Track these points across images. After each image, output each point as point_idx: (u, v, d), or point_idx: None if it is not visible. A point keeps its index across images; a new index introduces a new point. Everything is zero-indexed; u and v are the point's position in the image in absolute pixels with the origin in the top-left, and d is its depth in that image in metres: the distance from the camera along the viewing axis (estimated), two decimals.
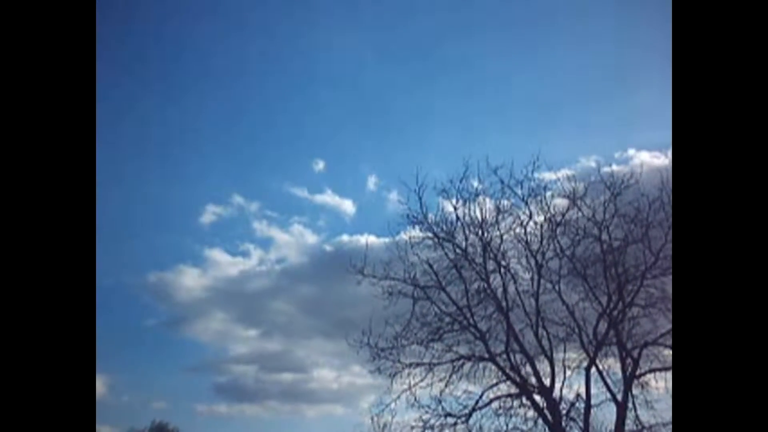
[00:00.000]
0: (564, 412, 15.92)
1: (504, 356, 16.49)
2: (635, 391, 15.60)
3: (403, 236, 17.64)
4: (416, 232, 17.52)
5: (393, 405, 17.08)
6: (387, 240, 18.05)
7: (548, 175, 17.10)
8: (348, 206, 36.86)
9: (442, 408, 16.65)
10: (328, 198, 37.66)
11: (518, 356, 16.48)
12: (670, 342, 15.54)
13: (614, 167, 17.26)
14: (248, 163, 44.82)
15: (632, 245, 16.03)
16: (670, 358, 15.57)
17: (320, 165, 38.14)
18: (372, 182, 33.35)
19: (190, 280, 42.97)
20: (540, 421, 15.97)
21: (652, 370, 15.69)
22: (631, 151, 21.58)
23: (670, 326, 15.52)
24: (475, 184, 17.15)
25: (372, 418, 17.52)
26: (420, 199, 17.23)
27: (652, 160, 19.72)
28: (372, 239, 19.08)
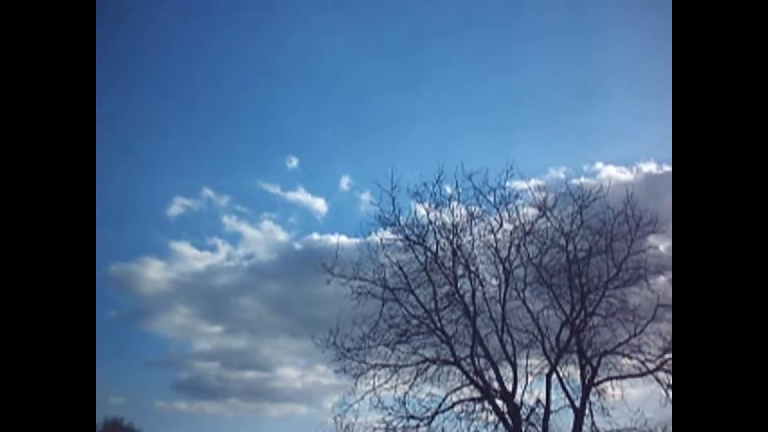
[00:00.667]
0: (524, 417, 16.20)
1: (468, 360, 16.59)
2: (593, 398, 16.07)
3: (375, 237, 17.42)
4: (388, 234, 17.34)
5: (357, 406, 16.90)
6: (358, 240, 17.77)
7: (519, 184, 17.26)
8: (320, 205, 35.86)
9: (406, 410, 16.62)
10: (301, 196, 36.49)
11: (482, 361, 16.63)
12: (627, 351, 16.11)
13: (582, 179, 17.67)
14: (220, 157, 42.94)
15: (596, 256, 16.44)
16: (627, 367, 16.15)
17: (294, 162, 36.87)
18: (345, 182, 32.67)
19: (154, 272, 40.85)
20: (501, 425, 16.19)
21: (609, 378, 16.18)
22: (599, 165, 22.31)
23: (627, 336, 16.10)
24: (449, 188, 17.13)
25: (335, 419, 17.30)
26: (393, 201, 17.04)
27: (618, 174, 20.41)
28: (343, 239, 18.76)
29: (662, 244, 16.94)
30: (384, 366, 16.95)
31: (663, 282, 16.13)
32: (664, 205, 17.86)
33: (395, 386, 16.85)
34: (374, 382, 16.87)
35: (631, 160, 22.59)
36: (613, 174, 20.34)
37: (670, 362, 15.88)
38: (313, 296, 20.34)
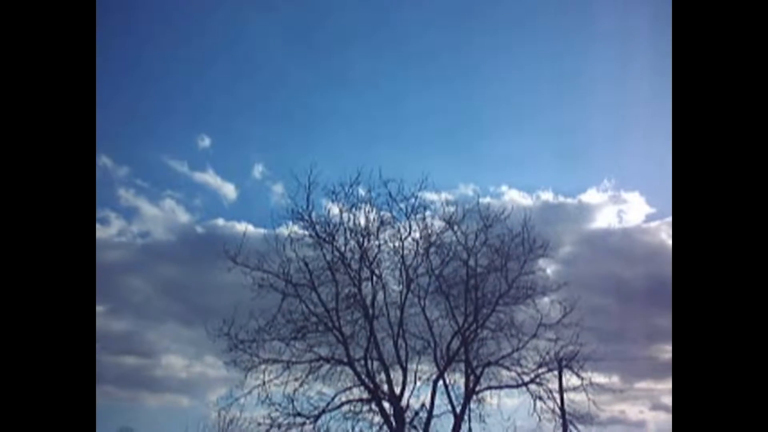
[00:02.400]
0: (408, 420, 16.38)
1: (362, 362, 16.42)
2: (473, 405, 16.70)
3: (283, 230, 16.56)
4: (297, 229, 16.56)
5: (243, 400, 16.07)
6: (265, 231, 16.78)
7: (431, 196, 17.37)
8: (229, 190, 32.39)
9: (294, 407, 16.09)
10: (210, 178, 32.70)
11: (375, 363, 16.54)
12: (508, 363, 16.94)
13: (488, 199, 18.21)
14: (124, 124, 37.22)
15: (492, 273, 17.02)
16: (506, 378, 16.97)
17: (206, 142, 32.91)
18: (258, 170, 29.86)
19: None
20: (385, 427, 16.22)
21: (489, 388, 16.92)
22: (504, 188, 23.11)
23: (511, 350, 16.92)
24: (363, 192, 16.74)
25: (219, 412, 16.35)
26: (308, 197, 16.29)
27: (520, 199, 21.33)
28: (250, 228, 17.57)
29: (549, 268, 18.06)
30: (276, 361, 16.24)
31: (546, 302, 17.14)
32: (555, 232, 19.11)
33: (286, 382, 16.26)
34: (264, 377, 16.15)
35: (532, 187, 23.82)
36: (515, 198, 21.34)
37: (543, 375, 17.01)
38: (210, 283, 18.86)
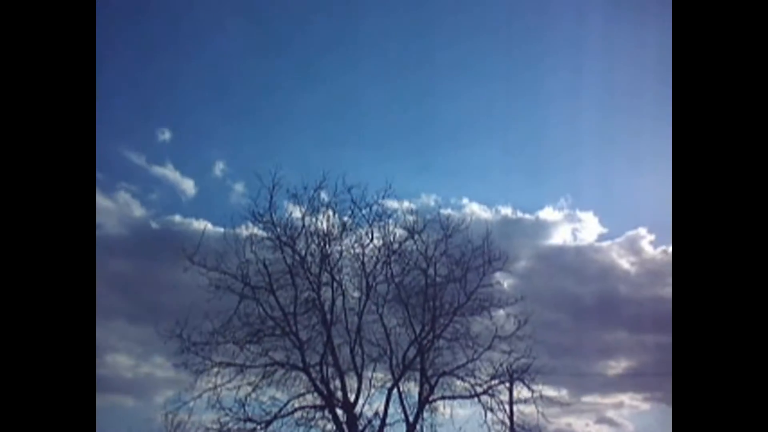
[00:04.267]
0: (361, 428, 15.88)
1: (317, 368, 15.86)
2: (425, 414, 16.31)
3: (243, 231, 15.88)
4: (258, 230, 15.92)
5: (192, 404, 15.24)
6: (224, 230, 16.02)
7: (393, 204, 17.01)
8: (188, 186, 30.35)
9: (245, 412, 15.38)
10: (168, 172, 30.57)
11: (331, 370, 16.01)
12: (462, 374, 16.67)
13: (449, 211, 17.98)
14: None
15: (451, 284, 16.76)
16: (459, 388, 16.70)
17: (166, 135, 30.90)
18: (219, 168, 28.22)
19: None
20: None
21: (443, 397, 16.59)
22: (465, 200, 22.90)
23: (465, 360, 16.66)
24: (326, 196, 16.26)
25: (166, 415, 15.47)
26: (271, 198, 15.68)
27: (480, 212, 21.24)
28: (208, 226, 16.76)
29: (506, 281, 17.95)
30: (230, 365, 15.50)
31: (502, 315, 16.98)
32: (513, 246, 19.04)
33: (238, 387, 15.56)
34: (216, 381, 15.39)
35: (493, 201, 23.75)
36: (476, 210, 21.23)
37: (495, 387, 16.84)
38: (163, 282, 17.89)
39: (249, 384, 15.49)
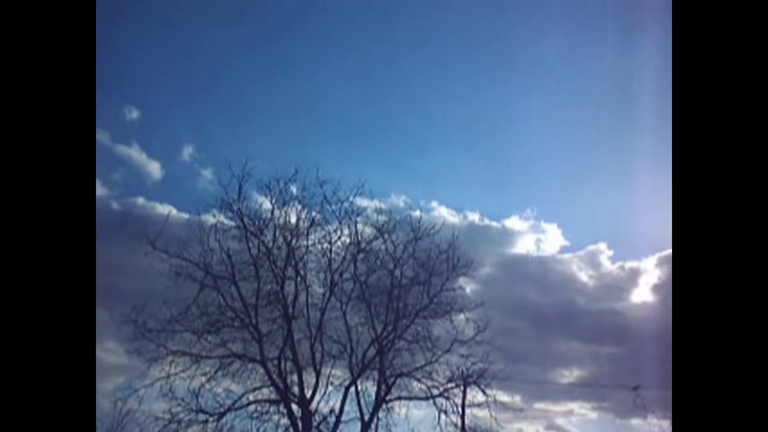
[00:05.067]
0: (315, 424, 15.61)
1: (275, 362, 15.49)
2: (381, 414, 16.18)
3: (209, 218, 15.31)
4: (224, 219, 15.39)
5: (143, 392, 14.64)
6: (189, 217, 15.40)
7: (363, 202, 16.72)
8: (154, 169, 28.49)
9: (198, 403, 14.88)
10: (134, 153, 28.62)
11: (289, 364, 15.68)
12: (420, 376, 16.59)
13: (419, 213, 17.81)
14: None
15: (416, 286, 16.63)
16: (416, 390, 16.63)
17: (134, 114, 28.86)
18: (188, 152, 26.63)
19: None
20: (291, 430, 15.36)
21: (399, 398, 16.48)
22: (434, 203, 22.67)
23: (424, 362, 16.58)
24: (297, 190, 15.83)
25: (115, 403, 14.83)
26: (240, 187, 15.15)
27: (449, 216, 21.17)
28: (173, 212, 16.05)
29: (469, 286, 17.94)
30: (185, 354, 14.97)
31: (462, 319, 16.96)
32: (478, 253, 19.04)
33: (192, 377, 15.05)
34: (170, 370, 14.82)
35: (461, 206, 23.64)
36: (444, 214, 21.11)
37: (451, 390, 16.83)
38: (120, 265, 17.07)
39: (203, 374, 15.03)
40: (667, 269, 22.16)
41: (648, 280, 24.16)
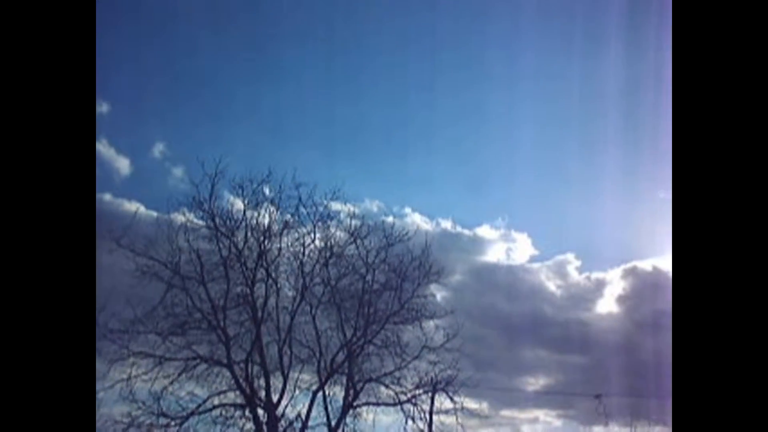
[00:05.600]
0: (281, 429, 15.27)
1: (242, 365, 15.09)
2: (348, 419, 15.94)
3: (179, 218, 14.82)
4: (195, 218, 14.92)
5: (102, 394, 13.99)
6: (158, 215, 14.89)
7: (337, 206, 16.47)
8: (123, 165, 27.06)
9: (159, 406, 14.35)
10: (102, 148, 27.11)
11: (256, 368, 15.29)
12: (388, 381, 16.41)
13: (392, 219, 17.65)
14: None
15: (387, 292, 16.46)
16: (384, 395, 16.44)
17: (103, 108, 27.41)
18: (158, 149, 25.53)
19: None
20: None
21: (367, 403, 16.28)
22: (408, 209, 22.43)
23: (393, 368, 16.41)
24: (271, 191, 15.50)
25: None
26: (213, 186, 14.73)
27: (422, 223, 21.04)
28: (141, 209, 15.49)
29: (440, 293, 17.87)
30: (148, 356, 14.44)
31: (432, 326, 16.86)
32: (450, 260, 19.00)
33: (155, 379, 14.51)
34: (131, 371, 14.25)
35: (434, 213, 23.46)
36: (417, 221, 20.90)
37: (419, 396, 16.69)
38: None
39: (166, 377, 14.52)
40: (632, 280, 22.62)
41: (613, 291, 24.59)
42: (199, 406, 14.76)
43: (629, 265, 23.16)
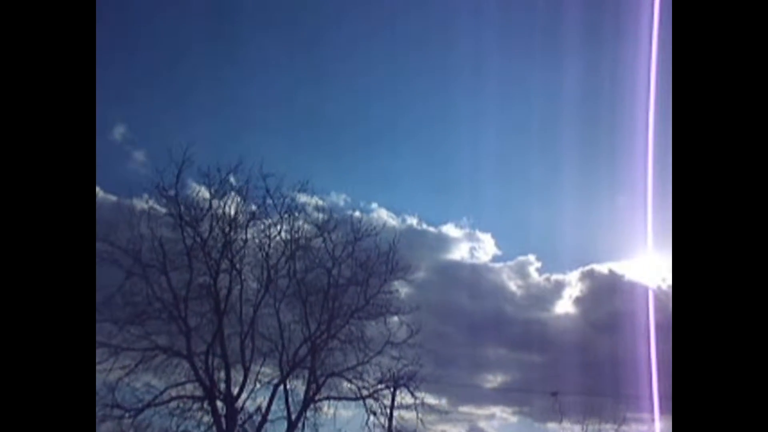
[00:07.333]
0: (240, 422, 14.76)
1: (202, 357, 14.49)
2: (309, 413, 15.54)
3: (140, 204, 14.11)
4: (157, 205, 14.21)
5: None
6: (117, 200, 14.14)
7: (303, 197, 16.03)
8: None
9: (113, 398, 13.64)
10: None
11: (216, 360, 14.71)
12: (350, 376, 16.09)
13: (359, 213, 17.32)
14: None
15: (352, 287, 16.13)
16: (346, 390, 16.12)
17: None
18: (119, 132, 24.07)
19: None
20: (214, 427, 14.42)
21: (329, 398, 15.92)
22: (374, 205, 22.02)
23: (356, 363, 16.08)
24: (238, 181, 14.94)
25: None
26: (178, 174, 14.08)
27: (389, 219, 20.73)
28: (100, 193, 14.68)
29: (404, 290, 17.60)
30: (103, 345, 13.65)
31: (396, 321, 16.61)
32: (415, 257, 18.75)
33: (110, 370, 13.77)
34: None
35: (400, 210, 23.12)
36: (384, 216, 20.58)
37: (380, 391, 16.44)
38: None
39: (122, 368, 13.81)
40: (589, 283, 22.91)
41: (571, 293, 24.82)
42: (156, 397, 14.12)
43: (587, 267, 23.45)
